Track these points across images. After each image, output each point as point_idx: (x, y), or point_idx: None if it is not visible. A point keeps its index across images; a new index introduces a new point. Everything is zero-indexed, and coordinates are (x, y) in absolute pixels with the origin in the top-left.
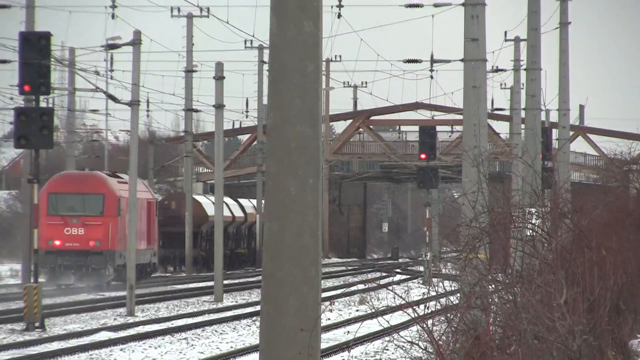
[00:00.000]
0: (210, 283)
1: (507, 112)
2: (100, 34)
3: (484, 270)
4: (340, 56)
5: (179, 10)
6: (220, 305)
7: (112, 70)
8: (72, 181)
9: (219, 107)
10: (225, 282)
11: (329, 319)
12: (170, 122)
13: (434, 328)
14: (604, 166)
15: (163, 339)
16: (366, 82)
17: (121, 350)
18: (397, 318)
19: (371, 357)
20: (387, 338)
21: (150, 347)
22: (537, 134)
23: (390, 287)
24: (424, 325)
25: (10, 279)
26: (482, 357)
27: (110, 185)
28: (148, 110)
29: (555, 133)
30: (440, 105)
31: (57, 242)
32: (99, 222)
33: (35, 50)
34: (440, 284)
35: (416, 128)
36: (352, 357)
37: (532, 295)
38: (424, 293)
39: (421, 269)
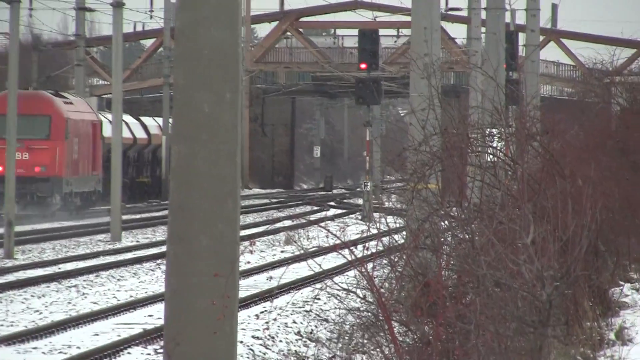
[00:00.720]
0: (107, 219)
1: (464, 13)
2: None
3: (435, 203)
4: None
5: None
6: (118, 246)
7: None
8: (20, 101)
9: (118, 5)
10: (124, 217)
11: (248, 262)
12: (58, 24)
13: (375, 273)
14: (581, 78)
15: (48, 287)
16: None
17: None
18: (330, 261)
19: (299, 307)
20: (318, 285)
21: (32, 296)
22: (500, 40)
23: (322, 224)
24: (363, 270)
25: None
26: (432, 308)
27: (57, 106)
28: (31, 9)
29: (522, 38)
30: (384, 5)
31: (0, 168)
32: (45, 146)
33: None
34: (383, 220)
35: (355, 32)
36: (276, 308)
37: (493, 234)
38: (362, 231)
39: (360, 202)
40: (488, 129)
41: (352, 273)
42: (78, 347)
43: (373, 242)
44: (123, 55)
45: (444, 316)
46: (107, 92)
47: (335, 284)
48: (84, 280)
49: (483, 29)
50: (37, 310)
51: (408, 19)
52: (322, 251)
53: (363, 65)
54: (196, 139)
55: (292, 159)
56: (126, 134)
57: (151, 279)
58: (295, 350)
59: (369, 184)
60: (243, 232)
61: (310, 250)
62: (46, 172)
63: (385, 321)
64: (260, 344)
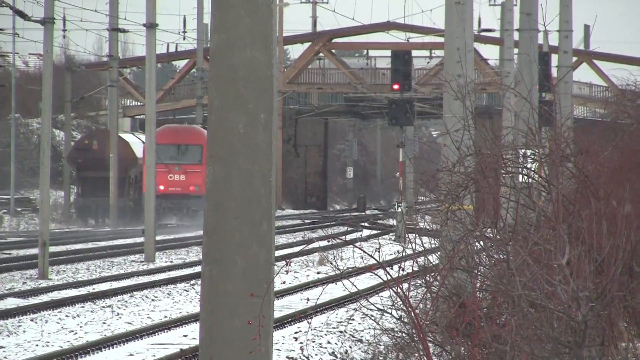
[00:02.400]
0: (140, 239)
1: (497, 34)
2: None
3: (469, 224)
4: None
5: None
6: (152, 266)
7: None
8: (174, 134)
9: (151, 26)
10: (158, 237)
11: (283, 282)
12: (92, 45)
13: (410, 293)
14: (614, 99)
15: (83, 307)
16: None
17: (32, 320)
18: (365, 281)
19: (333, 328)
20: (353, 305)
21: (67, 316)
22: (533, 60)
23: (356, 245)
24: (398, 290)
25: None
26: (467, 329)
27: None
28: (64, 30)
29: (555, 59)
30: (416, 26)
31: (162, 187)
32: (198, 169)
33: None
34: (417, 240)
35: (388, 53)
36: (311, 329)
37: (528, 255)
38: (397, 251)
39: (393, 222)
40: (522, 150)
41: (386, 294)
42: None
43: (408, 263)
44: (156, 76)
45: (479, 337)
46: (140, 113)
47: (371, 303)
48: (119, 301)
49: (516, 50)
50: (72, 331)
51: (440, 39)
52: (356, 272)
53: (396, 86)
54: (231, 160)
55: (325, 179)
56: None
57: (185, 300)
58: None
59: (402, 204)
60: (277, 253)
61: (344, 270)
62: (199, 191)
63: (421, 341)
64: None
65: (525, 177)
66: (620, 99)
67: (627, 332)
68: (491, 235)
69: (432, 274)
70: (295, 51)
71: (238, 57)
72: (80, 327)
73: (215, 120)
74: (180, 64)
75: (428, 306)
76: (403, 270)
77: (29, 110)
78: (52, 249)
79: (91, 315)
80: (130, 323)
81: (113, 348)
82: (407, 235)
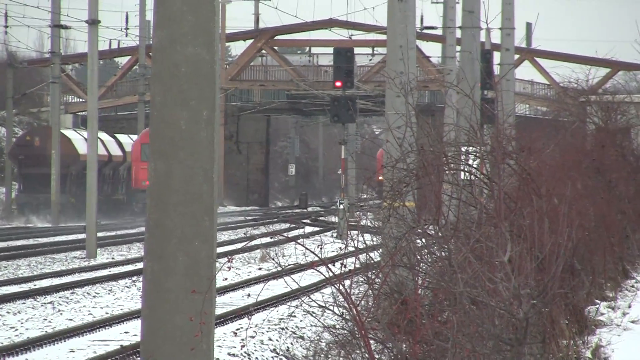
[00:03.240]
0: (82, 235)
1: (439, 32)
2: None
3: (411, 221)
4: None
5: None
6: (93, 263)
7: None
8: None
9: (93, 22)
10: (100, 234)
11: (225, 278)
12: (34, 41)
13: (352, 291)
14: (556, 97)
15: (24, 304)
16: None
17: None
18: (307, 278)
19: (275, 324)
20: (295, 302)
21: (8, 312)
22: (475, 58)
23: (298, 241)
24: (340, 287)
25: None
26: (409, 326)
27: None
28: (6, 26)
29: (497, 57)
30: (359, 23)
31: (147, 183)
32: None
33: None
34: (359, 237)
35: (330, 50)
36: (252, 325)
37: (470, 252)
38: (339, 248)
39: (335, 219)
40: (464, 147)
41: (328, 290)
42: None
43: (350, 260)
44: (98, 73)
45: (420, 334)
46: (82, 110)
47: (312, 300)
48: (60, 297)
49: (458, 48)
50: (13, 327)
51: (383, 37)
52: (299, 268)
53: (338, 84)
54: (173, 157)
55: (267, 176)
56: (101, 151)
57: (127, 296)
58: None
59: (344, 201)
60: (219, 249)
61: (286, 267)
62: None
63: (362, 339)
64: None
65: (468, 175)
66: (562, 97)
67: (568, 329)
68: (433, 232)
69: (374, 271)
70: (238, 48)
71: (180, 54)
72: (21, 323)
73: (157, 116)
74: (123, 60)
75: (370, 303)
76: (345, 267)
77: None
78: None
79: (32, 311)
80: (71, 319)
81: (54, 345)
82: (349, 233)
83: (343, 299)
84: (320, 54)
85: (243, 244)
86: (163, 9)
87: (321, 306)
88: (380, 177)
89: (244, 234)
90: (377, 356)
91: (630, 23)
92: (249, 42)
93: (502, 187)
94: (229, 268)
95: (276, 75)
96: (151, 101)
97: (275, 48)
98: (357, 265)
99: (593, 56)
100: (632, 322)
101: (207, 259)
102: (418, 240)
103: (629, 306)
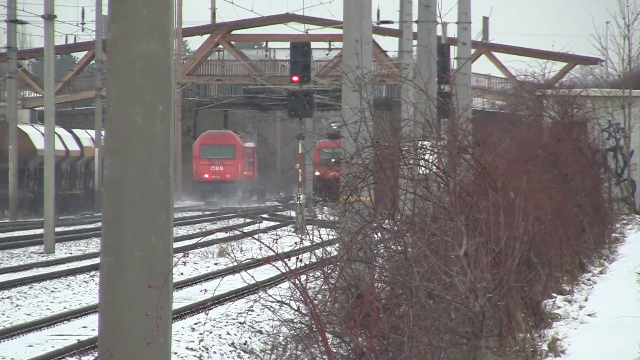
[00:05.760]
0: (40, 230)
1: (396, 26)
2: None
3: (367, 215)
4: None
5: None
6: (51, 258)
7: None
8: (215, 136)
9: (49, 17)
10: (58, 229)
11: (182, 273)
12: None
13: (308, 285)
14: (513, 91)
15: None
16: None
17: None
18: (263, 273)
19: (233, 319)
20: (252, 297)
21: None
22: (431, 52)
23: (255, 236)
24: (296, 282)
25: None
26: (365, 319)
27: (237, 139)
28: None
29: (453, 51)
30: (315, 18)
31: (206, 176)
32: (232, 162)
33: None
34: (316, 232)
35: (287, 45)
36: (210, 320)
37: (426, 246)
38: (296, 243)
39: (293, 214)
40: (420, 142)
41: (285, 285)
42: (12, 359)
43: (306, 254)
44: (55, 68)
45: (377, 328)
46: (39, 105)
47: (269, 295)
48: (18, 292)
49: (415, 42)
50: None
51: (340, 31)
52: (255, 263)
53: (295, 78)
54: (128, 152)
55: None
56: (59, 146)
57: (85, 291)
58: None
59: (301, 196)
60: (176, 245)
61: (243, 262)
62: (233, 178)
63: (319, 333)
64: (195, 356)
65: (423, 169)
66: (518, 91)
67: (525, 323)
68: (389, 226)
69: (330, 265)
70: (195, 43)
71: (135, 49)
72: None
73: (112, 112)
74: (79, 55)
75: (327, 297)
76: (301, 261)
77: None
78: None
79: None
80: (29, 314)
81: (12, 339)
82: (306, 227)
83: (299, 294)
84: (277, 48)
85: (200, 239)
86: (118, 3)
87: (278, 301)
88: (317, 173)
89: (201, 229)
90: (334, 350)
91: (586, 17)
92: (206, 36)
93: (457, 181)
94: (185, 263)
95: (233, 70)
96: (106, 96)
97: (232, 43)
98: (314, 260)
99: (550, 50)
100: (589, 315)
101: (163, 254)
102: (374, 235)
103: (586, 299)
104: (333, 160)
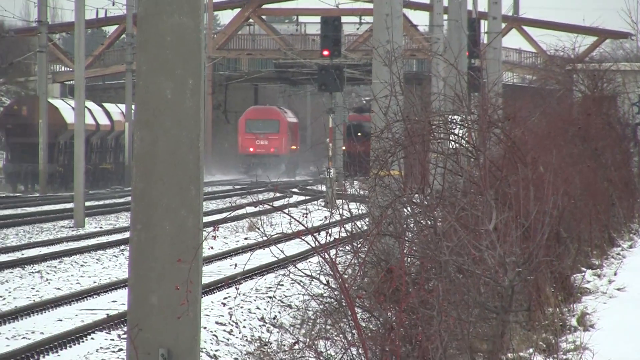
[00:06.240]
0: (70, 205)
1: (426, 0)
2: None
3: (397, 190)
4: None
5: None
6: (81, 232)
7: None
8: (260, 112)
9: None
10: (88, 203)
11: (211, 247)
12: (20, 10)
13: (338, 259)
14: (543, 65)
15: (12, 273)
16: None
17: None
18: (293, 247)
19: (262, 293)
20: (281, 271)
21: None
22: (462, 27)
23: (285, 210)
24: (326, 256)
25: None
26: (394, 294)
27: (282, 114)
28: None
29: (484, 25)
30: None
31: (251, 149)
32: (276, 137)
33: None
34: (346, 206)
35: (317, 19)
36: (240, 294)
37: (456, 220)
38: (325, 217)
39: (323, 188)
40: (450, 116)
41: (315, 259)
42: (42, 333)
43: (336, 229)
44: (85, 42)
45: (406, 302)
46: (69, 79)
47: (299, 270)
48: (48, 266)
49: (445, 16)
50: (1, 296)
51: (370, 6)
52: (285, 238)
53: (325, 53)
54: (159, 126)
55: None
56: (89, 120)
57: (114, 265)
58: (259, 337)
59: (331, 170)
60: (206, 219)
61: (273, 236)
62: (277, 152)
63: (349, 307)
64: (224, 330)
65: (453, 143)
66: (548, 65)
67: (554, 297)
68: (419, 201)
69: (360, 239)
70: (225, 17)
71: (166, 23)
72: (9, 292)
73: (143, 85)
74: (110, 29)
75: (356, 272)
76: (331, 236)
77: None
78: None
79: (20, 280)
80: (59, 289)
81: (42, 313)
82: (336, 201)
83: (329, 268)
84: (307, 22)
85: (230, 213)
86: None
87: (307, 275)
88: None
89: (231, 203)
90: (363, 324)
91: None
92: (237, 11)
93: (487, 155)
94: (214, 237)
95: (264, 44)
96: (137, 70)
97: (263, 17)
98: (343, 234)
99: (580, 24)
100: (618, 289)
101: (193, 228)
102: (404, 209)
103: (615, 274)
104: (359, 134)
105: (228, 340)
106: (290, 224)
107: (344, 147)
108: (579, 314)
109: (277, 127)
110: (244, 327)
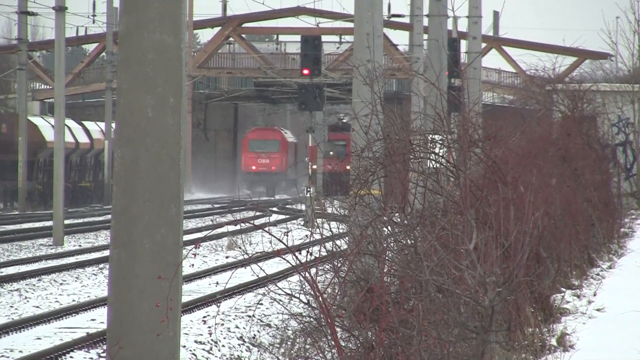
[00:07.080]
0: (49, 223)
1: (406, 20)
2: None
3: (377, 209)
4: None
5: None
6: (60, 250)
7: None
8: (262, 132)
9: (60, 9)
10: (67, 221)
11: (192, 265)
12: (1, 28)
13: (318, 278)
14: (523, 85)
15: None
16: None
17: None
18: (274, 266)
19: (242, 312)
20: (261, 290)
21: None
22: (442, 46)
23: (265, 229)
24: (306, 275)
25: None
26: (375, 313)
27: (282, 134)
28: None
29: (464, 45)
30: (326, 11)
31: (254, 167)
32: (277, 155)
33: None
34: (326, 225)
35: (298, 38)
36: (220, 313)
37: (436, 240)
38: (306, 236)
39: (302, 207)
40: (430, 136)
41: (295, 278)
42: (20, 351)
43: (316, 248)
44: (65, 60)
45: (386, 321)
46: (49, 97)
47: (279, 288)
48: (26, 284)
49: (425, 36)
50: None
51: (350, 25)
52: (265, 256)
53: (305, 71)
54: (139, 143)
55: (234, 164)
56: (69, 138)
57: (94, 283)
58: (238, 355)
59: (311, 189)
60: (186, 237)
61: (253, 255)
62: (278, 170)
63: (329, 326)
64: (203, 349)
65: (434, 163)
66: (528, 85)
67: (534, 317)
68: (399, 220)
69: (340, 258)
70: (205, 35)
71: (147, 40)
72: None
73: (124, 103)
74: (90, 47)
75: (336, 291)
76: (311, 255)
77: None
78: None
79: None
80: (38, 307)
81: (20, 332)
82: (315, 220)
83: (309, 287)
84: (287, 41)
85: (210, 231)
86: None
87: (287, 294)
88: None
89: (211, 221)
90: (343, 344)
91: (597, 12)
92: (217, 29)
93: (467, 175)
94: (195, 255)
95: (244, 62)
96: (118, 88)
97: (243, 36)
98: (324, 253)
99: (560, 45)
100: (598, 310)
101: (173, 246)
102: (384, 228)
103: (594, 294)
104: (331, 153)
105: (207, 359)
106: (270, 242)
107: (315, 167)
108: (559, 334)
109: (278, 147)
110: (223, 345)
